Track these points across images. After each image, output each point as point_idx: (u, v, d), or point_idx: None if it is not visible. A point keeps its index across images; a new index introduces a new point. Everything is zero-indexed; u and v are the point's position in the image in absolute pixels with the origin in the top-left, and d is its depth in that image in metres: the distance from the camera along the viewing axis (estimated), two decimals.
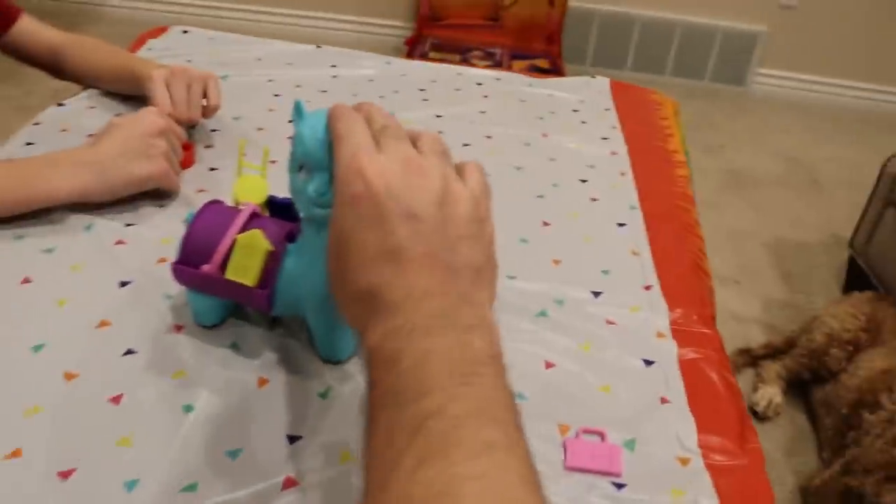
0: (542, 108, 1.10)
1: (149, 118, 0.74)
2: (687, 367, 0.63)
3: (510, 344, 0.63)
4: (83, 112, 0.93)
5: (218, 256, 0.55)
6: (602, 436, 0.55)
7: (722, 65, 2.68)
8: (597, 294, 0.71)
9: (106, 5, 2.91)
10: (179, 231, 0.72)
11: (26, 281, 0.64)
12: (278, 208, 0.61)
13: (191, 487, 0.48)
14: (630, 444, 0.55)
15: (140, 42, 1.17)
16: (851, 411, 1.20)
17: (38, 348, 0.57)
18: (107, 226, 0.72)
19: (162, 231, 0.72)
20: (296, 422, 0.54)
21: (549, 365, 0.61)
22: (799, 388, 1.46)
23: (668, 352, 0.64)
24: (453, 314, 0.37)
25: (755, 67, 2.70)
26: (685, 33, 2.63)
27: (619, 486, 0.51)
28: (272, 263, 0.55)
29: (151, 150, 0.73)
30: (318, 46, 1.23)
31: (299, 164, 0.49)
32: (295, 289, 0.56)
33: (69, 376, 0.55)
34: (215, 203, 0.60)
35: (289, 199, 0.60)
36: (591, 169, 0.94)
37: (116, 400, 0.54)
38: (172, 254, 0.67)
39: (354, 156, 0.40)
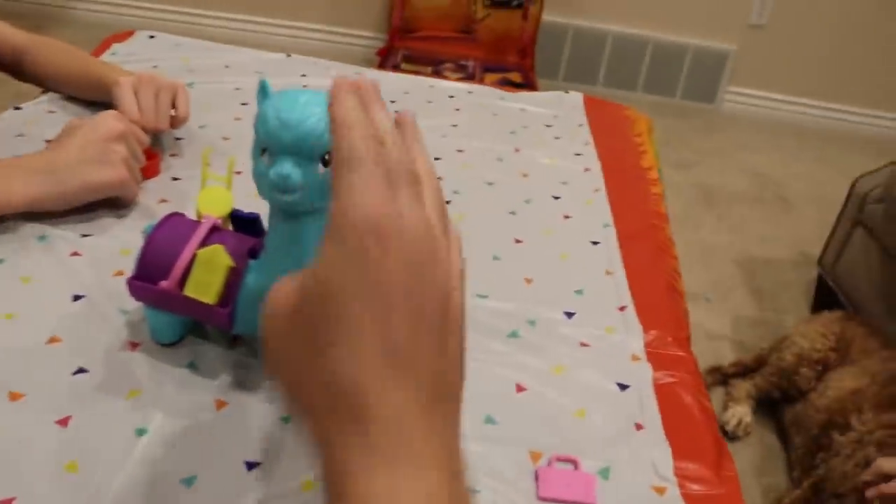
0: (515, 122, 1.09)
1: (108, 122, 0.71)
2: (662, 392, 0.62)
3: (480, 365, 0.61)
4: (42, 117, 0.90)
5: (177, 272, 0.52)
6: (575, 464, 0.53)
7: (693, 82, 2.71)
8: (570, 315, 0.69)
9: (75, 8, 2.85)
10: (138, 242, 0.69)
11: None
12: (242, 223, 0.59)
13: None
14: (604, 473, 0.53)
15: (105, 46, 1.14)
16: (821, 432, 1.20)
17: None
18: (61, 236, 0.69)
19: (120, 242, 0.69)
20: (256, 447, 0.51)
21: (520, 388, 0.60)
22: (769, 407, 1.46)
23: (643, 375, 0.63)
24: (445, 455, 0.30)
25: (725, 85, 2.73)
26: (657, 50, 2.65)
27: None
28: (233, 280, 0.52)
29: (110, 156, 0.70)
30: (288, 55, 1.20)
31: (262, 147, 0.47)
32: (257, 306, 0.53)
33: (14, 396, 0.52)
34: (176, 215, 0.57)
35: (254, 213, 0.58)
36: (565, 185, 0.92)
37: (64, 422, 0.50)
38: (130, 266, 0.64)
39: (369, 197, 0.29)
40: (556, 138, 1.06)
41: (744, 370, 1.50)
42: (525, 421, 0.56)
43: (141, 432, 0.50)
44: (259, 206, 0.56)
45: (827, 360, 1.35)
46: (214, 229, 0.55)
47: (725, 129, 2.69)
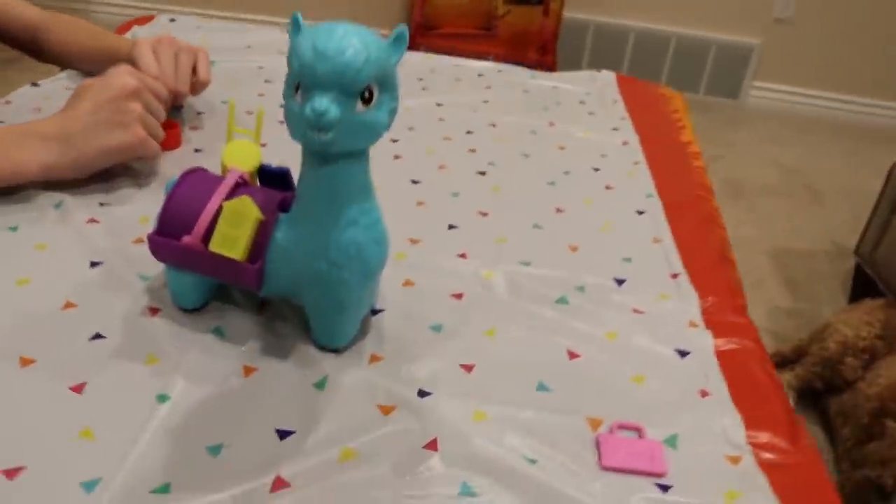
0: (548, 98, 1.04)
1: (120, 78, 0.67)
2: (725, 359, 0.57)
3: (529, 332, 0.57)
4: (59, 93, 0.86)
5: (201, 226, 0.48)
6: (640, 431, 0.48)
7: (717, 77, 2.65)
8: (620, 282, 0.64)
9: (96, 11, 2.85)
10: (157, 212, 0.66)
11: None
12: (271, 178, 0.54)
13: (163, 489, 0.41)
14: (671, 441, 0.48)
15: (125, 28, 1.11)
16: (873, 420, 1.14)
17: None
18: (78, 203, 0.65)
19: (139, 210, 0.65)
20: (287, 415, 0.46)
21: (573, 355, 0.55)
22: (811, 398, 1.40)
23: (704, 342, 0.58)
24: None
25: (750, 80, 2.67)
26: (680, 45, 2.60)
27: (665, 487, 0.44)
28: (262, 235, 0.48)
29: (124, 117, 0.66)
30: None
31: (295, 84, 0.42)
32: (288, 264, 0.49)
33: (25, 362, 0.48)
34: (199, 170, 0.53)
35: (284, 168, 0.54)
36: (603, 158, 0.88)
37: (78, 389, 0.46)
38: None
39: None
40: (591, 114, 1.01)
41: (782, 361, 1.44)
42: (580, 388, 0.52)
43: (162, 399, 0.46)
44: (289, 162, 0.52)
45: (873, 348, 1.28)
46: (241, 183, 0.51)
47: (750, 123, 2.63)
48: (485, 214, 0.72)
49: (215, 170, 0.55)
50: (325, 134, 0.42)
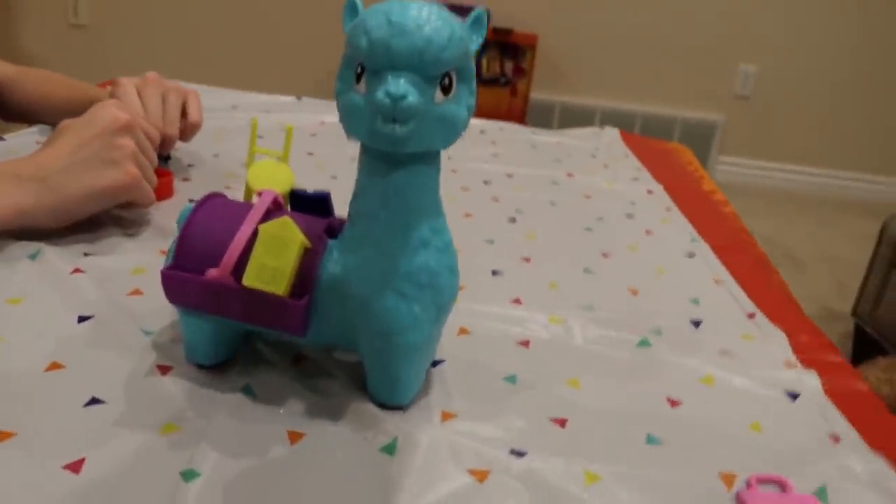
0: (558, 152, 0.99)
1: (107, 112, 0.58)
2: (838, 399, 0.48)
3: (618, 380, 0.48)
4: (29, 147, 0.76)
5: (231, 255, 0.39)
6: (784, 485, 0.39)
7: None
8: (696, 323, 0.56)
9: None
10: (154, 263, 0.56)
11: None
12: (305, 206, 0.45)
13: None
14: (822, 494, 0.39)
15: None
16: None
17: None
18: (58, 253, 0.54)
19: (131, 260, 0.55)
20: (354, 487, 0.36)
21: (674, 403, 0.46)
22: None
23: (809, 382, 0.50)
24: None
25: (716, 155, 2.72)
26: (646, 123, 2.65)
27: None
28: (307, 266, 0.39)
29: (114, 153, 0.57)
30: (299, 98, 1.11)
31: (357, 70, 0.35)
32: (341, 301, 0.39)
33: (2, 436, 0.36)
34: (217, 195, 0.44)
35: (322, 192, 0.45)
36: (634, 205, 0.82)
37: (75, 467, 0.35)
38: (147, 286, 0.51)
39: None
40: (605, 166, 0.96)
41: None
42: (694, 439, 0.42)
43: (190, 476, 0.35)
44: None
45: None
46: (276, 206, 0.42)
47: None
48: (527, 260, 0.64)
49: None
50: (402, 126, 0.35)
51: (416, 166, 0.37)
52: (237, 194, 0.70)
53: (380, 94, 0.34)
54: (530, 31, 2.47)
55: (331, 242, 0.40)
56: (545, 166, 0.92)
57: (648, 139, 1.13)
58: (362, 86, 0.35)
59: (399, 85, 0.34)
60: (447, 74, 0.35)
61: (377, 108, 0.34)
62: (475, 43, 0.37)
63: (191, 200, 0.69)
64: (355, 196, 0.39)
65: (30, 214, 0.54)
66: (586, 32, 2.60)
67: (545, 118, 2.65)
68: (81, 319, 0.47)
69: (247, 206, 0.43)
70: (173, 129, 0.69)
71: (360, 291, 0.39)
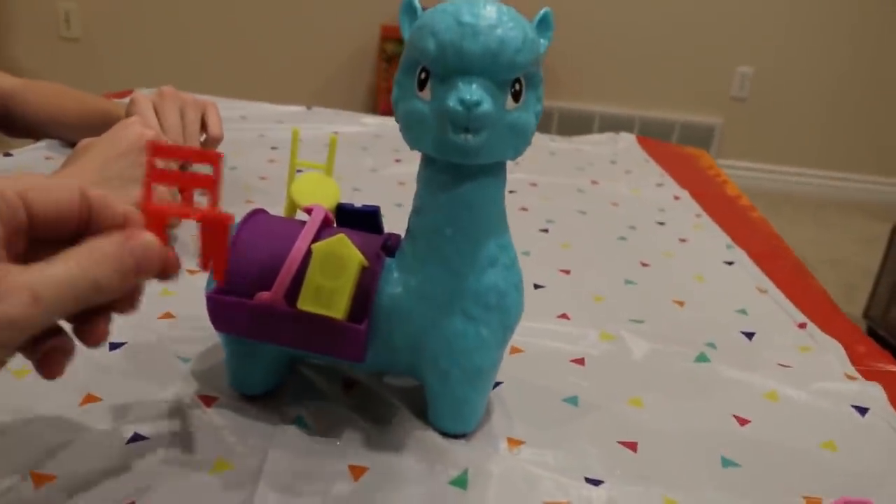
0: (578, 160, 0.97)
1: (132, 130, 0.55)
2: None
3: (682, 398, 0.45)
4: (38, 164, 0.74)
5: (285, 276, 0.36)
6: None
7: None
8: (749, 335, 0.54)
9: None
10: (182, 283, 0.53)
11: None
12: (353, 220, 0.42)
13: None
14: None
15: None
16: None
17: None
18: None
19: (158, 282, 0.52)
20: None
21: (742, 421, 0.43)
22: None
23: (875, 395, 0.48)
24: None
25: (714, 158, 2.71)
26: (644, 128, 2.63)
27: None
28: (365, 288, 0.36)
29: (140, 171, 0.54)
30: (309, 108, 1.08)
31: (421, 75, 0.32)
32: (402, 325, 0.37)
33: (39, 479, 0.34)
34: (261, 212, 0.41)
35: (372, 206, 0.42)
36: (663, 213, 0.80)
37: None
38: (178, 308, 0.48)
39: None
40: (627, 172, 0.94)
41: None
42: (769, 460, 0.40)
43: None
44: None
45: None
46: (326, 223, 0.40)
47: None
48: (567, 272, 0.62)
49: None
50: (474, 136, 0.32)
51: (484, 178, 0.35)
52: (258, 207, 0.68)
53: (451, 102, 0.31)
54: None
55: (389, 261, 0.38)
56: (568, 174, 0.90)
57: (666, 143, 1.11)
58: (427, 92, 0.33)
59: (472, 91, 0.31)
60: (518, 80, 0.33)
61: (448, 117, 0.32)
62: (545, 44, 0.35)
63: None
64: (416, 211, 0.36)
65: None
66: (583, 39, 2.60)
67: (544, 124, 2.63)
68: (113, 347, 0.44)
69: (292, 222, 0.40)
70: (194, 143, 0.66)
71: (424, 313, 0.36)
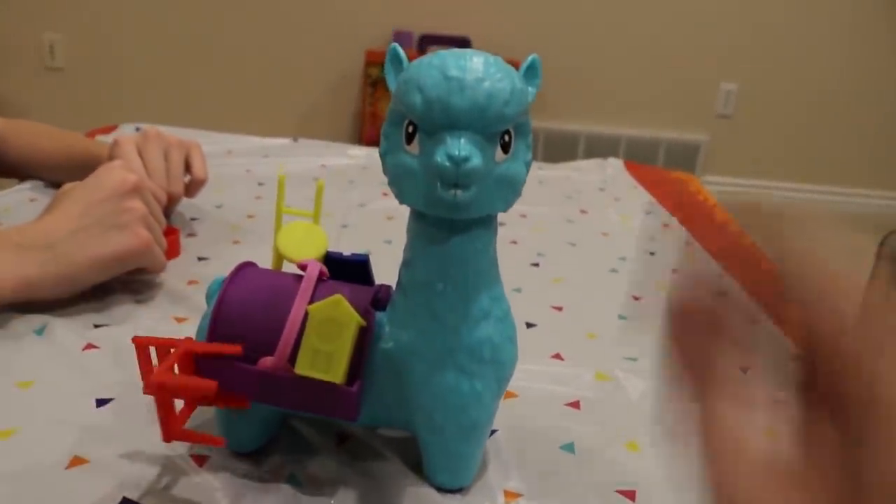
0: (566, 188, 0.97)
1: (115, 174, 0.55)
2: None
3: (676, 441, 0.45)
4: (22, 206, 0.73)
5: (286, 342, 0.35)
6: None
7: None
8: (744, 370, 0.54)
9: None
10: (170, 332, 0.52)
11: None
12: (341, 270, 0.42)
13: None
14: None
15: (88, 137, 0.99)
16: None
17: None
18: (67, 326, 0.51)
19: (144, 331, 0.51)
20: None
21: None
22: None
23: None
24: None
25: (701, 175, 2.73)
26: (630, 147, 2.65)
27: None
28: (359, 345, 0.36)
29: (124, 217, 0.54)
30: (295, 139, 1.08)
31: (408, 129, 0.32)
32: (395, 381, 0.36)
33: None
34: (249, 265, 0.41)
35: (361, 255, 0.42)
36: (653, 241, 0.80)
37: None
38: None
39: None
40: (616, 199, 0.94)
41: None
42: None
43: None
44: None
45: None
46: (320, 276, 0.39)
47: None
48: (559, 309, 0.61)
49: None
50: (464, 191, 0.32)
51: (474, 231, 0.35)
52: (246, 248, 0.67)
53: (439, 157, 0.31)
54: (512, 58, 2.47)
55: (380, 315, 0.37)
56: (557, 203, 0.90)
57: (654, 168, 1.12)
58: (415, 146, 0.33)
59: (460, 146, 0.31)
60: (507, 131, 0.33)
61: (437, 173, 0.31)
62: (531, 93, 0.35)
63: (200, 258, 0.65)
64: (407, 265, 0.36)
65: (35, 286, 0.51)
66: (567, 58, 2.61)
67: None
68: (100, 403, 0.43)
69: (281, 275, 0.40)
70: (178, 186, 0.66)
71: (417, 369, 0.36)
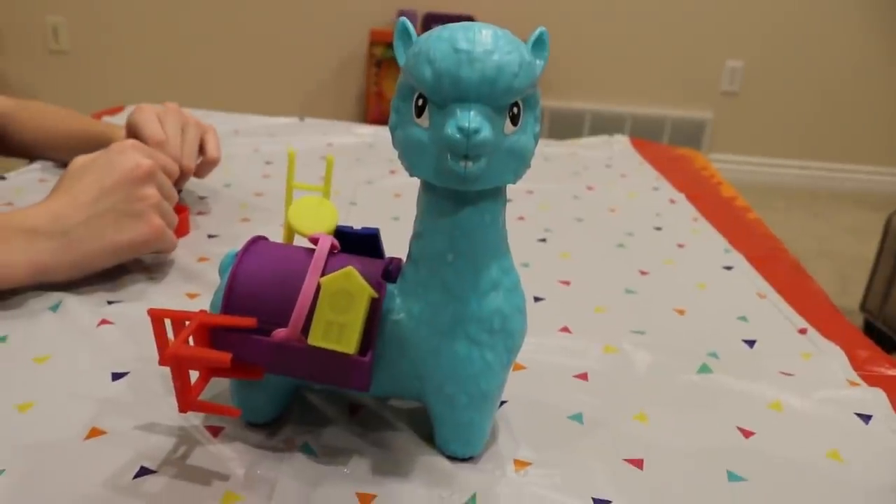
0: (573, 165, 0.97)
1: (129, 157, 0.55)
2: None
3: (685, 412, 0.46)
4: (32, 186, 0.74)
5: (299, 314, 0.36)
6: None
7: None
8: (750, 343, 0.54)
9: None
10: (182, 307, 0.53)
11: None
12: (352, 243, 0.42)
13: None
14: None
15: (95, 119, 0.99)
16: None
17: None
18: (81, 303, 0.51)
19: (157, 306, 0.52)
20: None
21: (747, 433, 0.44)
22: None
23: (877, 401, 0.48)
24: None
25: (706, 153, 2.72)
26: (636, 124, 2.64)
27: None
28: (371, 316, 0.36)
29: (138, 205, 0.54)
30: (301, 119, 1.08)
31: (418, 102, 0.32)
32: (405, 351, 0.37)
33: None
34: (261, 239, 0.41)
35: (371, 228, 0.42)
36: (659, 217, 0.80)
37: None
38: None
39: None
40: (623, 176, 0.94)
41: None
42: (776, 474, 0.40)
43: None
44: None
45: None
46: (332, 250, 0.39)
47: None
48: (566, 283, 0.62)
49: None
50: (474, 163, 0.32)
51: (484, 203, 0.35)
52: (255, 226, 0.68)
53: (450, 130, 0.31)
54: (516, 36, 2.46)
55: (390, 287, 0.38)
56: (564, 180, 0.90)
57: (660, 145, 1.12)
58: (425, 119, 0.33)
59: (470, 118, 0.31)
60: (516, 103, 0.33)
61: (447, 145, 0.32)
62: (540, 66, 0.35)
63: (210, 236, 0.66)
64: (417, 236, 0.36)
65: (49, 271, 0.51)
66: (572, 36, 2.60)
67: None
68: (116, 377, 0.44)
69: (293, 249, 0.40)
70: (191, 162, 0.66)
71: (428, 339, 0.36)
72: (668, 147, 1.12)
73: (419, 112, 0.33)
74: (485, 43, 0.32)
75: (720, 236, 0.75)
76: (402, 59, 0.34)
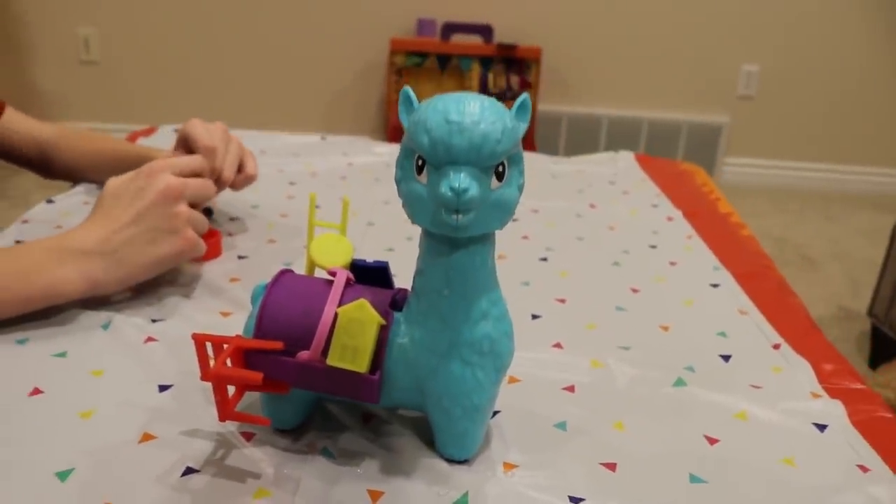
0: (578, 182, 1.03)
1: (161, 180, 0.61)
2: (863, 428, 0.52)
3: (658, 421, 0.51)
4: (77, 209, 0.81)
5: (319, 339, 0.42)
6: None
7: (690, 157, 2.72)
8: (726, 358, 0.60)
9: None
10: (217, 325, 0.60)
11: (37, 391, 0.50)
12: (364, 275, 0.49)
13: None
14: None
15: (131, 140, 1.07)
16: None
17: (65, 474, 0.42)
18: (128, 321, 0.59)
19: (195, 324, 0.59)
20: None
21: (712, 440, 0.49)
22: None
23: (835, 412, 0.53)
24: None
25: (722, 157, 2.75)
26: (652, 129, 2.68)
27: None
28: (380, 340, 0.43)
29: (173, 222, 0.61)
30: (323, 137, 1.15)
31: (418, 163, 0.38)
32: (409, 370, 0.43)
33: None
34: (288, 272, 0.48)
35: (381, 262, 0.49)
36: (656, 235, 0.85)
37: None
38: None
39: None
40: (625, 193, 1.00)
41: None
42: (733, 476, 0.46)
43: None
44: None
45: None
46: (347, 282, 0.46)
47: (729, 198, 2.68)
48: (563, 301, 0.68)
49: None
50: (464, 216, 0.38)
51: (474, 247, 0.41)
52: (280, 248, 0.74)
53: (443, 189, 0.38)
54: (534, 44, 2.52)
55: (397, 315, 0.44)
56: (568, 198, 0.96)
57: (664, 160, 1.17)
58: (424, 177, 0.39)
59: (461, 179, 0.38)
60: (501, 162, 0.39)
61: (441, 201, 0.38)
62: (523, 127, 0.41)
63: (240, 257, 0.73)
64: (419, 273, 0.43)
65: (101, 286, 0.59)
66: (589, 43, 2.64)
67: (553, 129, 2.69)
68: (162, 388, 0.51)
69: (314, 281, 0.46)
70: (230, 172, 0.73)
71: (428, 361, 0.43)
72: (671, 162, 1.17)
73: (419, 170, 0.39)
74: (472, 114, 0.38)
75: (711, 254, 0.81)
76: (405, 122, 0.41)
